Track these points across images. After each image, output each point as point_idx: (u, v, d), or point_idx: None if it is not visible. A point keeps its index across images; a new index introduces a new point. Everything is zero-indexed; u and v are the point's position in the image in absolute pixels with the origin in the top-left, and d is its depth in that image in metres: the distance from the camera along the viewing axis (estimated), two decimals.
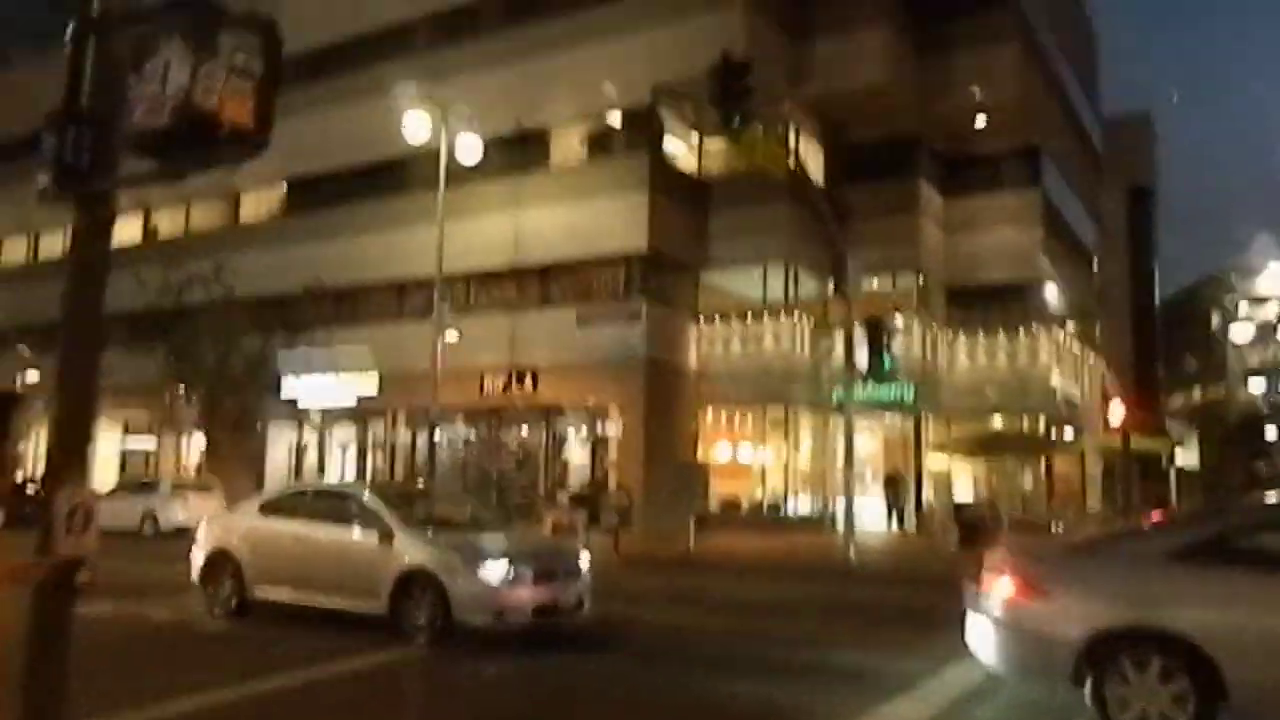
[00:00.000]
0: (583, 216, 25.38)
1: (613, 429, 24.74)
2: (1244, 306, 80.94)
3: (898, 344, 25.59)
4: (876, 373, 17.85)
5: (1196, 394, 69.34)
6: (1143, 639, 5.45)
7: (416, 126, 21.24)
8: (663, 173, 25.26)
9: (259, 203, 33.33)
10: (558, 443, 26.04)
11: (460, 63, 27.82)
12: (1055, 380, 26.81)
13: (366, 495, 9.63)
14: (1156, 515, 9.31)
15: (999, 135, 27.28)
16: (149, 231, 36.33)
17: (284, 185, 32.35)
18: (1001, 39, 25.55)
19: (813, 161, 27.45)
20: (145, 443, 34.74)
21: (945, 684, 6.94)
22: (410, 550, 8.91)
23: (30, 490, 28.72)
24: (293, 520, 9.82)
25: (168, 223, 35.84)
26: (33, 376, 34.81)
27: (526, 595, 8.68)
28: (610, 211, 24.99)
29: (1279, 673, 5.16)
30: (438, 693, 7.30)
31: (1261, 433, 53.57)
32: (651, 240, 24.54)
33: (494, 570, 8.61)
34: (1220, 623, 5.28)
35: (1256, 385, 43.25)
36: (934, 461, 27.20)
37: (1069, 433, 28.21)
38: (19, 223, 39.89)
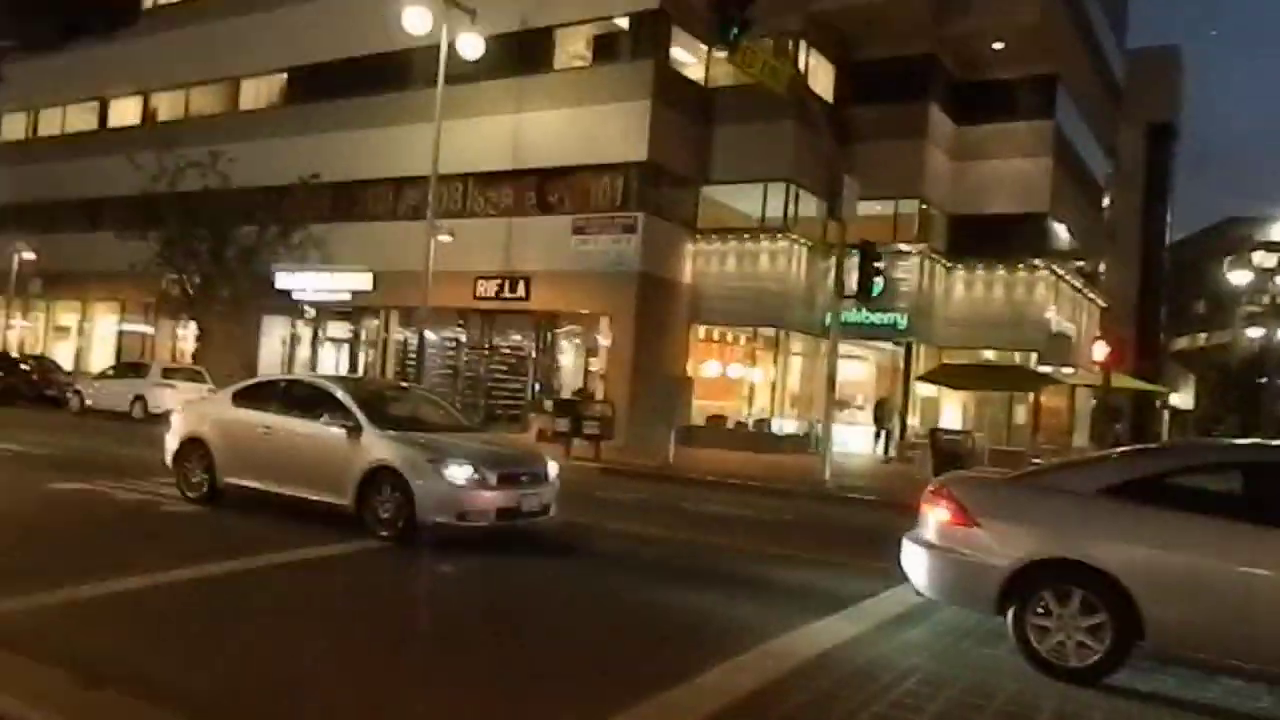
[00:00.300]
0: (584, 122, 25.00)
1: (603, 339, 24.83)
2: (1259, 255, 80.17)
3: (897, 271, 25.56)
4: (865, 297, 17.75)
5: (1203, 338, 69.25)
6: (1066, 571, 5.57)
7: (416, 19, 20.79)
8: (667, 82, 24.77)
9: (259, 91, 32.78)
10: (549, 350, 26.15)
11: None
12: (1050, 315, 26.74)
13: (338, 389, 9.72)
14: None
15: (1015, 62, 26.57)
16: (147, 114, 35.88)
17: (284, 75, 31.75)
18: None
19: (822, 79, 26.91)
20: (142, 326, 34.94)
21: (881, 605, 7.12)
22: (377, 446, 9.04)
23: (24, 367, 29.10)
24: (265, 410, 9.93)
25: (166, 107, 35.34)
26: (29, 255, 34.86)
27: (489, 497, 8.84)
28: (612, 118, 24.60)
29: (1193, 612, 5.28)
30: (387, 585, 7.51)
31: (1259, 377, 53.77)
32: (652, 151, 24.23)
33: (458, 471, 8.75)
34: (1141, 559, 5.39)
35: (1255, 332, 43.03)
36: (923, 390, 27.31)
37: (1065, 371, 28.24)
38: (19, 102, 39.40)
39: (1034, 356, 26.06)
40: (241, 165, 27.63)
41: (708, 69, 26.10)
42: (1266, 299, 50.29)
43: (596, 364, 25.10)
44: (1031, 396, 26.84)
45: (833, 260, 18.80)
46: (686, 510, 13.24)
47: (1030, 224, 26.63)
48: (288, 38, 30.94)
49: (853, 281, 17.50)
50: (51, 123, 39.16)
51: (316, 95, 30.16)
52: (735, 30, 13.71)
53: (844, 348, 27.47)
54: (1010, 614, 5.75)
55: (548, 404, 21.69)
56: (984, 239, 27.07)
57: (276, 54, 31.43)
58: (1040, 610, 5.63)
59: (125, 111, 36.56)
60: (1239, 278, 48.65)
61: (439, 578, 7.88)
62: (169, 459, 10.43)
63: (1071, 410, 30.78)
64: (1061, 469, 6.75)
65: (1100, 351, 19.18)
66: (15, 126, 40.52)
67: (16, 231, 36.27)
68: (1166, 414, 52.40)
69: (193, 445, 10.19)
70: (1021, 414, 26.68)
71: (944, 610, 6.73)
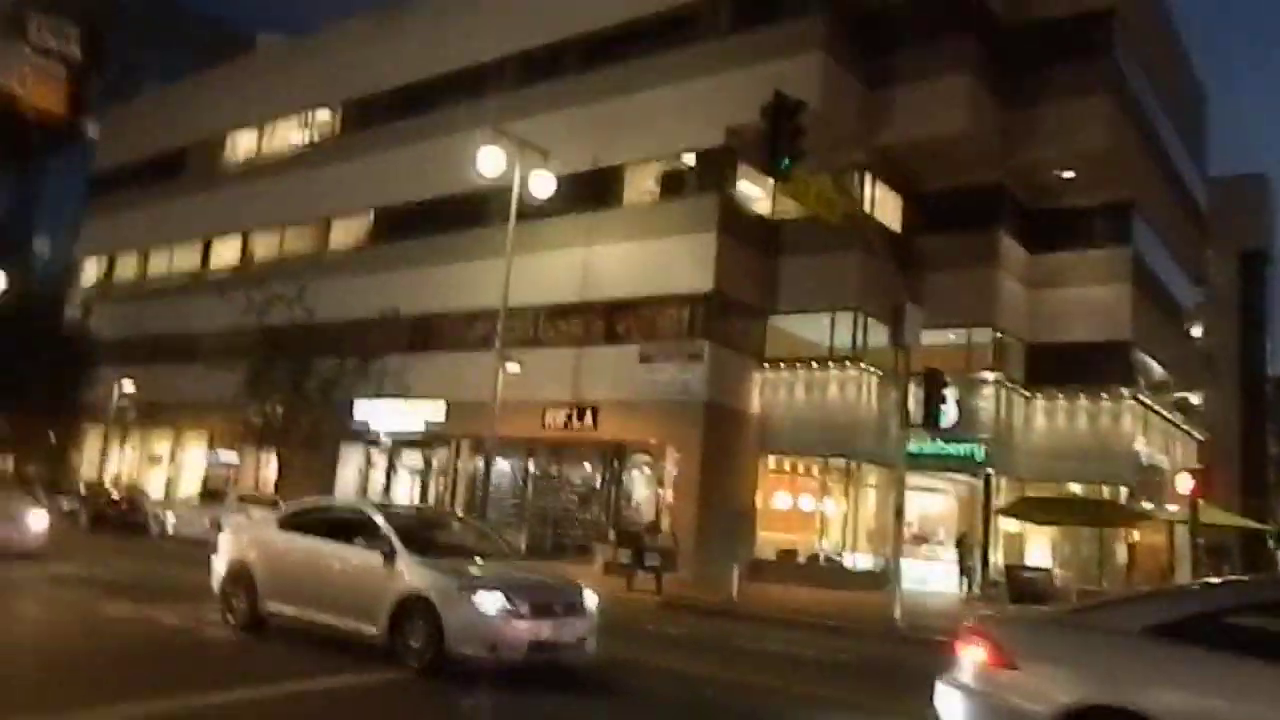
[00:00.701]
0: (651, 255, 25.58)
1: (670, 469, 24.60)
2: None
3: (973, 401, 24.96)
4: (931, 425, 17.27)
5: None
6: (1108, 718, 5.06)
7: (490, 161, 21.81)
8: (732, 214, 25.29)
9: (347, 231, 34.59)
10: (616, 480, 26.00)
11: (542, 101, 28.54)
12: (1140, 447, 25.58)
13: (377, 514, 9.72)
14: None
15: (1088, 189, 26.44)
16: (245, 255, 38.11)
17: (370, 215, 33.52)
18: (1092, 90, 24.78)
19: (890, 210, 27.14)
20: (229, 457, 36.12)
21: None
22: (410, 573, 8.94)
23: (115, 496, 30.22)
24: (307, 536, 9.98)
25: (262, 248, 37.50)
26: (129, 388, 36.74)
27: (523, 629, 8.58)
28: (678, 251, 25.12)
29: None
30: (401, 717, 7.27)
31: None
32: (717, 281, 24.54)
33: (488, 599, 8.55)
34: (1191, 707, 4.87)
35: None
36: (1007, 525, 26.16)
37: (1157, 507, 26.80)
38: (133, 243, 42.46)
39: (1124, 491, 24.80)
40: (326, 300, 28.99)
41: (774, 202, 26.60)
42: None
43: (663, 495, 24.80)
44: (1126, 533, 25.42)
45: (900, 389, 18.36)
46: (741, 648, 12.67)
47: (1112, 352, 25.86)
48: (376, 179, 32.84)
49: (918, 410, 17.07)
50: (159, 264, 41.91)
51: (398, 234, 31.73)
52: (786, 162, 13.97)
53: (921, 480, 26.86)
54: None
55: (611, 535, 21.39)
56: (1064, 368, 26.38)
57: (364, 196, 33.31)
58: None
59: (225, 252, 38.92)
60: None
61: (455, 715, 7.61)
62: (214, 584, 10.50)
63: (1171, 548, 28.96)
64: (1108, 605, 6.25)
65: (1185, 484, 18.15)
66: (127, 267, 43.50)
67: (121, 365, 38.50)
68: None
69: (238, 570, 10.26)
70: (1118, 552, 25.18)
71: None
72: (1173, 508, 26.23)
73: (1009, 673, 5.49)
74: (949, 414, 24.70)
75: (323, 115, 36.62)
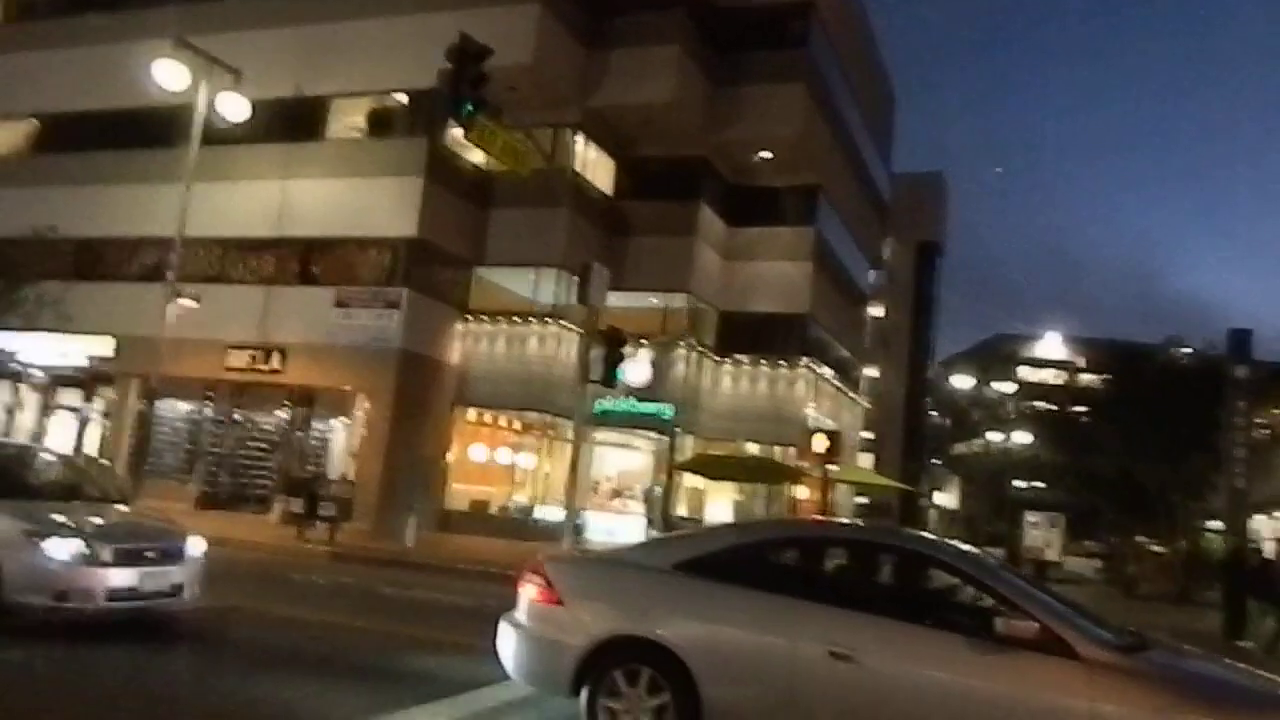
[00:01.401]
0: (353, 195, 24.38)
1: (358, 417, 23.74)
2: (1023, 370, 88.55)
3: (668, 363, 26.03)
4: (609, 383, 17.79)
5: (977, 445, 74.94)
6: (636, 649, 5.32)
7: (170, 75, 19.66)
8: (441, 161, 24.55)
9: (5, 137, 30.18)
10: (303, 428, 24.73)
11: (241, 15, 26.25)
12: (809, 412, 27.85)
13: None
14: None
15: (782, 171, 28.18)
16: None
17: (32, 121, 29.45)
18: (789, 78, 26.39)
19: (601, 173, 27.55)
20: None
21: (493, 693, 6.66)
22: None
23: None
24: None
25: None
26: None
27: (97, 577, 7.83)
28: (382, 194, 24.12)
29: (747, 694, 5.12)
30: None
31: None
32: (422, 228, 23.82)
33: (58, 546, 7.71)
34: (702, 636, 5.21)
35: (996, 438, 46.87)
36: (691, 481, 27.65)
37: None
38: None
39: (793, 451, 26.95)
40: None
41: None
42: (1013, 409, 55.06)
43: (350, 443, 23.91)
44: (790, 491, 27.66)
45: (582, 346, 18.71)
46: (386, 596, 12.42)
47: (792, 324, 27.89)
48: (42, 82, 28.81)
49: (598, 367, 17.48)
50: None
51: (64, 146, 28.15)
52: (469, 107, 13.64)
53: (616, 437, 27.80)
54: (584, 696, 5.42)
55: (281, 484, 20.34)
56: (750, 336, 28.13)
57: (24, 98, 29.14)
58: (610, 692, 5.33)
59: None
60: (1004, 388, 52.82)
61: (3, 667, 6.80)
62: None
63: (829, 506, 31.88)
64: (649, 544, 6.61)
65: (819, 444, 19.99)
66: None
67: None
68: (934, 512, 55.64)
69: None
70: (779, 507, 27.37)
71: (550, 700, 6.32)
72: (833, 468, 28.84)
73: (555, 608, 5.64)
74: (640, 373, 25.78)
75: None
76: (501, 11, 23.63)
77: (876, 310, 51.39)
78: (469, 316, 25.64)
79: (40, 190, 27.11)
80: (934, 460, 58.01)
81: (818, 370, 28.59)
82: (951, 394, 59.47)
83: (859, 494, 40.86)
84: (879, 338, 51.67)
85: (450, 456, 25.19)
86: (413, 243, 23.80)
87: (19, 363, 27.34)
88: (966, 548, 5.94)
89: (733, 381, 28.08)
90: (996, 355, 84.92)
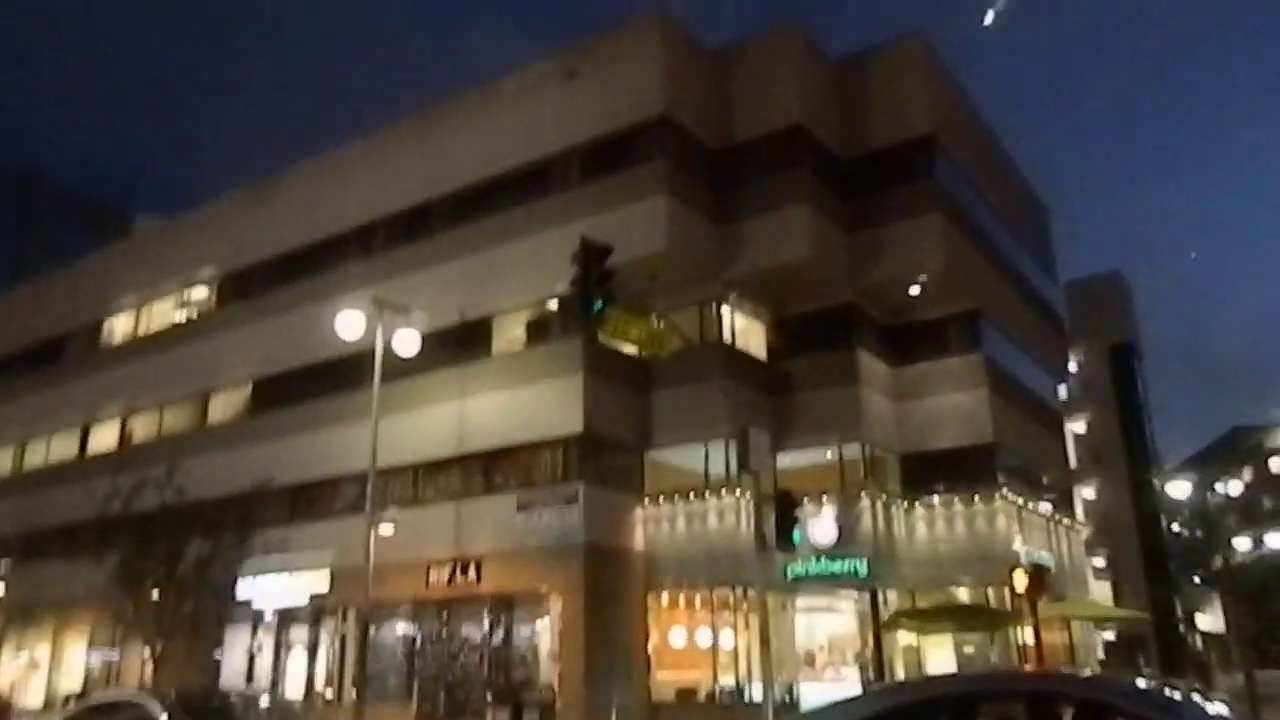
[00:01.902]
0: (523, 401, 25.69)
1: (554, 618, 23.97)
2: (1275, 462, 79.36)
3: (854, 516, 25.17)
4: (787, 546, 17.33)
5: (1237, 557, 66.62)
6: None
7: (349, 325, 21.85)
8: (598, 355, 25.60)
9: (227, 405, 34.04)
10: (505, 635, 25.17)
11: (409, 261, 29.23)
12: (1018, 546, 25.93)
13: (153, 703, 9.26)
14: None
15: (936, 302, 27.64)
16: (124, 439, 37.05)
17: (249, 387, 33.13)
18: (922, 209, 26.26)
19: (754, 338, 27.93)
20: (107, 654, 34.10)
21: None
22: None
23: None
24: None
25: (141, 429, 36.57)
26: None
27: None
28: (548, 395, 25.27)
29: None
30: None
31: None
32: (588, 422, 24.62)
33: None
34: None
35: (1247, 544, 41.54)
36: (901, 638, 25.97)
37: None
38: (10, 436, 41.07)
39: (1008, 591, 24.93)
40: (203, 477, 28.21)
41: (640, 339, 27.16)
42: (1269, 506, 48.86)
43: (549, 644, 24.07)
44: (1016, 635, 25.41)
45: (764, 514, 18.44)
46: None
47: (979, 455, 26.52)
48: (256, 350, 32.65)
49: (773, 532, 17.14)
50: (36, 457, 40.44)
51: (275, 404, 31.41)
52: (597, 305, 14.33)
53: (815, 600, 26.72)
54: None
55: (489, 695, 20.61)
56: (938, 474, 26.91)
57: (241, 368, 33.02)
58: None
59: (104, 438, 37.80)
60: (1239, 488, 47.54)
61: None
62: None
63: (1071, 646, 29.02)
64: (835, 704, 6.26)
65: (1020, 581, 18.36)
66: (2, 463, 41.84)
67: None
68: (1199, 638, 49.36)
69: None
70: (1003, 654, 25.11)
71: None
72: (1060, 604, 26.48)
73: None
74: (826, 531, 25.05)
75: (199, 292, 36.62)
76: (632, 210, 25.19)
77: (1078, 426, 48.13)
78: (646, 500, 25.90)
79: (257, 446, 30.20)
80: (1193, 578, 51.92)
81: (1016, 500, 26.80)
82: (1191, 501, 53.81)
83: (1102, 628, 36.95)
84: (1088, 454, 48.07)
85: (649, 644, 24.86)
86: (582, 438, 24.59)
87: (254, 608, 29.64)
88: (1167, 691, 5.21)
89: (927, 525, 26.68)
90: (1236, 451, 76.83)
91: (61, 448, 39.22)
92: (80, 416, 38.35)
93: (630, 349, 26.54)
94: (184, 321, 36.87)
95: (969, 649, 26.56)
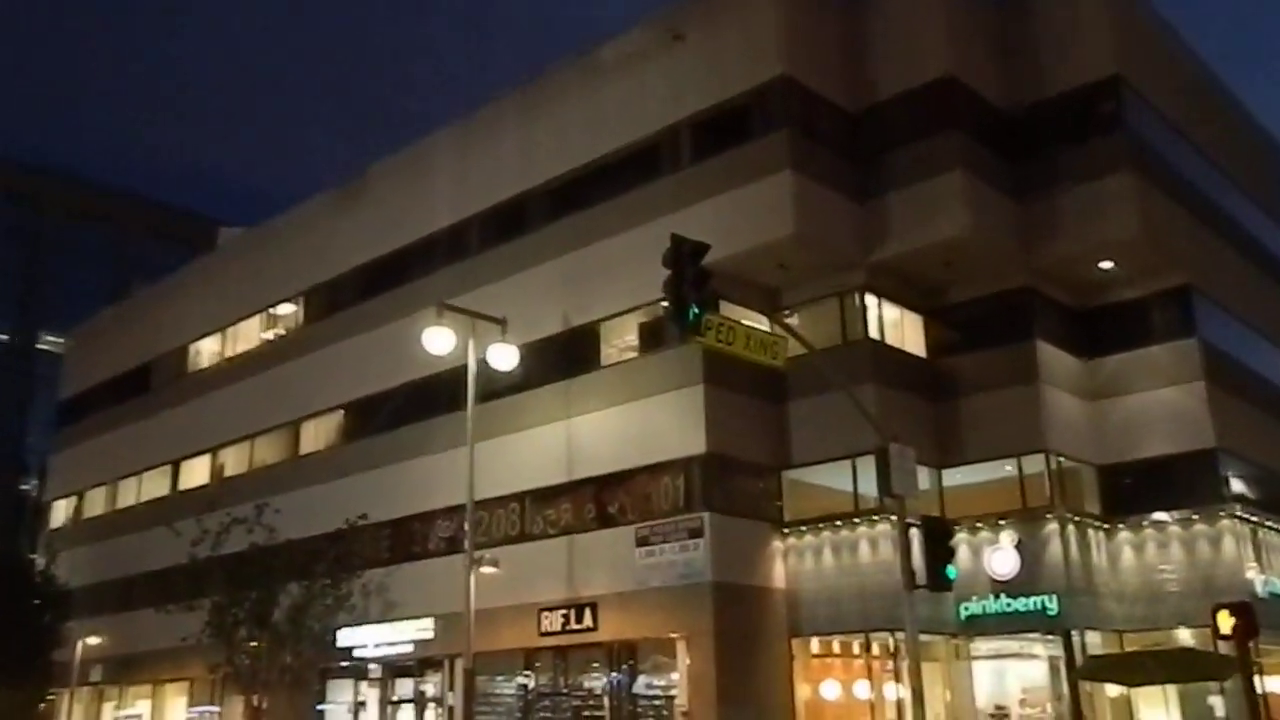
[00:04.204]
0: (638, 419, 26.32)
1: (682, 668, 24.43)
2: None
3: (1039, 544, 24.61)
4: (940, 586, 17.14)
5: None
6: None
7: (438, 340, 22.86)
8: (721, 362, 25.77)
9: (318, 433, 36.15)
10: (627, 687, 25.80)
11: (506, 263, 30.27)
12: (1253, 575, 24.71)
13: None
14: None
15: (1135, 278, 26.64)
16: (215, 474, 39.85)
17: (340, 413, 35.07)
18: (1109, 168, 25.20)
19: (909, 332, 27.63)
20: (208, 709, 36.75)
21: None
22: None
23: None
24: None
25: (233, 463, 39.24)
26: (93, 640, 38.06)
27: None
28: (666, 410, 25.81)
29: None
30: None
31: None
32: (711, 440, 24.99)
33: None
34: None
35: None
36: (1109, 688, 25.13)
37: None
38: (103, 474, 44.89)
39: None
40: (297, 514, 30.22)
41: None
42: None
43: (679, 699, 24.53)
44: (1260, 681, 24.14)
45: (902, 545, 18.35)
46: None
47: (1196, 464, 25.35)
48: (347, 370, 34.55)
49: (921, 568, 17.03)
50: (128, 496, 43.98)
51: (370, 430, 33.16)
52: (694, 312, 14.61)
53: (1000, 644, 26.19)
54: None
55: None
56: (1145, 490, 25.94)
57: (332, 392, 34.98)
58: None
59: (195, 474, 40.73)
60: None
61: None
62: None
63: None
64: None
65: (1225, 624, 17.48)
66: (95, 503, 45.72)
67: (94, 616, 40.01)
68: None
69: None
70: (1225, 709, 23.92)
71: None
72: None
73: None
74: (1006, 563, 24.64)
75: (286, 308, 39.00)
76: (753, 189, 25.40)
77: None
78: (786, 530, 26.04)
79: (348, 480, 32.13)
80: None
81: (1249, 517, 25.52)
82: None
83: None
84: None
85: (796, 699, 24.99)
86: (706, 459, 24.97)
87: (356, 659, 31.40)
88: None
89: (1134, 552, 25.74)
90: None
91: (153, 485, 42.56)
92: (170, 450, 41.50)
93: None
94: (271, 341, 39.37)
95: (1210, 699, 25.42)
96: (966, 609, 24.95)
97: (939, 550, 17.20)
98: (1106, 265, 26.35)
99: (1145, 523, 25.80)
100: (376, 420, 33.27)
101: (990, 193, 26.01)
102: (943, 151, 25.57)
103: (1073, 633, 24.27)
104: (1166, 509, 25.55)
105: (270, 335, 39.69)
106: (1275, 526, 27.02)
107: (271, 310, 39.51)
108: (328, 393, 35.21)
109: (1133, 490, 26.30)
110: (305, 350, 36.65)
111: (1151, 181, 26.21)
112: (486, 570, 24.46)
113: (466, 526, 23.38)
